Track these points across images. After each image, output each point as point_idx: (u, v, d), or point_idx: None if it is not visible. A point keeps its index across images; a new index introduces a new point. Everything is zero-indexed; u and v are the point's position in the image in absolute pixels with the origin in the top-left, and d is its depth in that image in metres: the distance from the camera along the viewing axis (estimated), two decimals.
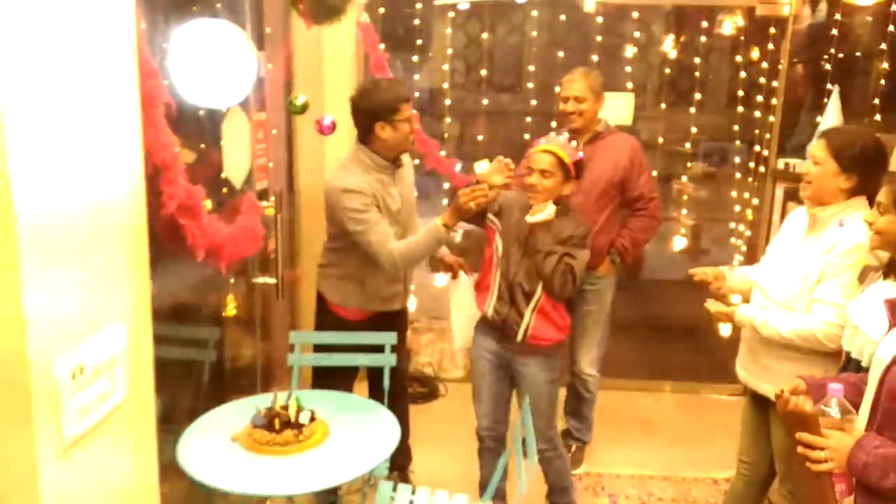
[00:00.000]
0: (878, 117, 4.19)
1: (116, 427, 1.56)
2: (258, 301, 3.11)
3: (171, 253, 2.48)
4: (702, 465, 3.42)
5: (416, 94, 4.31)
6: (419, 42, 4.31)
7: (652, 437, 3.72)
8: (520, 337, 2.58)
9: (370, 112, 2.61)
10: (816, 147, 2.22)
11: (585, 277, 3.17)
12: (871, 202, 2.07)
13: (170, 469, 2.03)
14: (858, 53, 4.96)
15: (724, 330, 4.01)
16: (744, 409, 2.56)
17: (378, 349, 2.73)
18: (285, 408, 2.12)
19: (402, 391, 3.04)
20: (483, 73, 5.02)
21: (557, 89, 3.27)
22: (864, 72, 4.94)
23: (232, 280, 3.09)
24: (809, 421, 1.51)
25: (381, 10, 4.20)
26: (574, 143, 2.60)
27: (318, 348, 2.80)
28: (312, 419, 2.14)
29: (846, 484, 1.50)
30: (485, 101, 4.70)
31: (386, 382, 2.71)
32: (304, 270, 3.39)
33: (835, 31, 4.32)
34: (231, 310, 3.19)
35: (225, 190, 2.73)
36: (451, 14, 4.67)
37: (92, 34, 1.41)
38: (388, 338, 2.73)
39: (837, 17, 4.30)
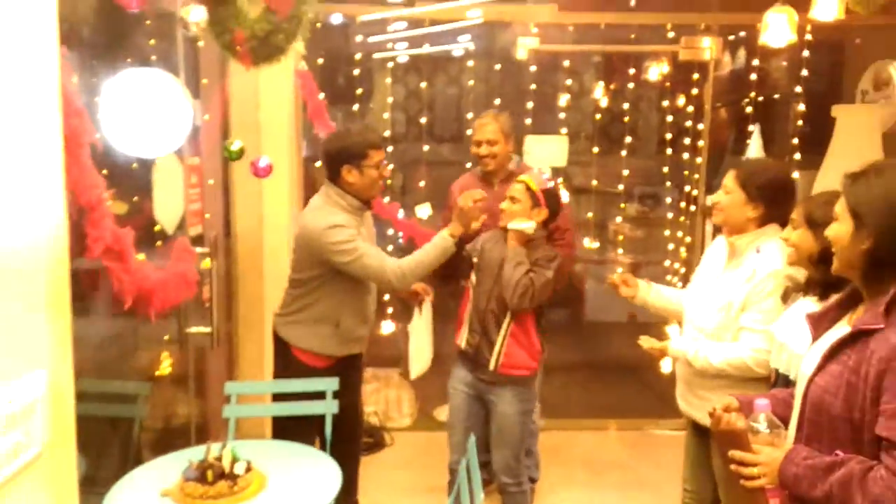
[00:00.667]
0: (797, 156, 4.42)
1: (32, 483, 1.46)
2: (192, 352, 3.00)
3: (99, 301, 2.40)
4: (649, 501, 3.42)
5: None
6: (359, 91, 4.36)
7: (599, 475, 3.71)
8: (492, 365, 2.63)
9: (338, 155, 2.65)
10: (728, 177, 2.33)
11: None
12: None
13: None
14: (777, 96, 5.27)
15: (666, 366, 4.06)
16: (686, 439, 2.59)
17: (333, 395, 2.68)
18: (219, 459, 2.03)
19: (354, 438, 2.97)
20: (423, 120, 5.11)
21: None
22: (782, 113, 5.24)
23: (166, 337, 2.99)
24: (740, 438, 1.53)
25: (320, 61, 4.25)
26: (546, 174, 2.74)
27: (277, 398, 2.75)
28: (248, 469, 2.05)
29: (780, 498, 1.51)
30: (425, 148, 4.78)
31: (328, 430, 2.64)
32: (242, 317, 3.30)
33: (754, 77, 4.57)
34: (166, 367, 3.07)
35: (160, 243, 2.67)
36: (391, 65, 4.76)
37: (7, 68, 1.37)
38: (330, 384, 2.67)
39: (756, 62, 4.55)
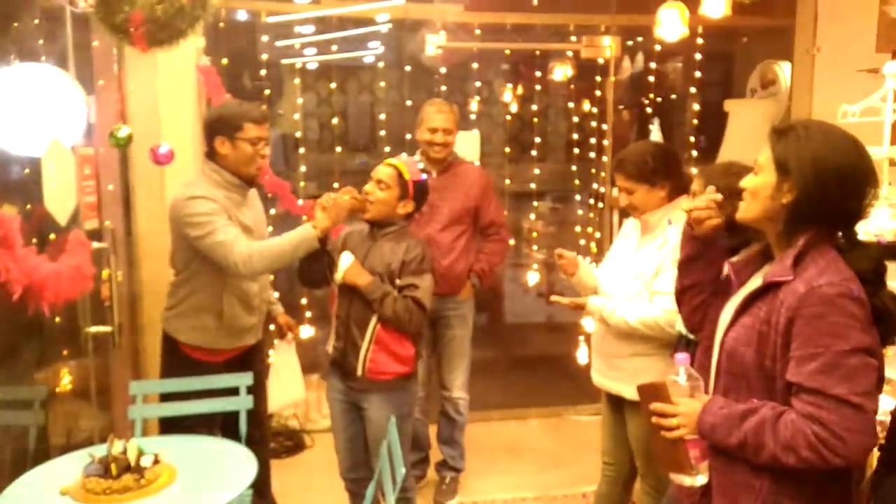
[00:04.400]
0: (694, 153, 4.65)
1: None
2: (93, 354, 2.84)
3: None
4: (570, 482, 3.47)
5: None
6: (267, 92, 4.28)
7: (521, 461, 3.75)
8: (359, 371, 2.45)
9: (212, 125, 2.54)
10: (619, 179, 2.38)
11: (447, 304, 3.21)
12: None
13: None
14: (674, 97, 5.55)
15: (582, 358, 4.17)
16: (602, 413, 2.64)
17: (233, 392, 2.55)
18: (124, 453, 1.91)
19: (262, 437, 2.83)
20: (334, 121, 5.05)
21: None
22: (679, 113, 5.52)
23: (64, 352, 2.80)
24: (661, 391, 1.56)
25: (225, 62, 4.14)
26: (420, 164, 2.57)
27: (166, 398, 2.56)
28: (156, 462, 1.94)
29: (699, 449, 1.54)
30: (338, 149, 4.74)
31: (243, 427, 2.54)
32: (146, 317, 3.15)
33: (652, 79, 4.80)
34: (64, 376, 2.89)
35: (52, 236, 2.51)
36: (299, 65, 4.69)
37: None
38: (243, 379, 2.57)
39: (653, 65, 4.78)
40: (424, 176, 2.53)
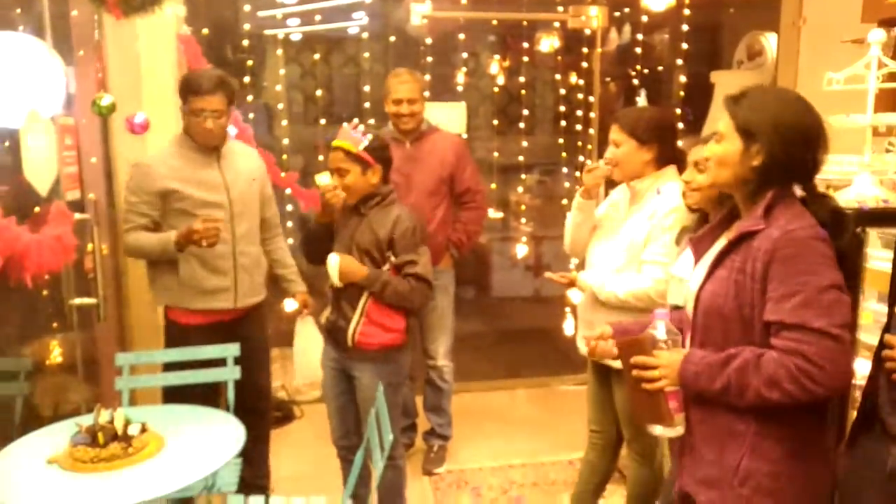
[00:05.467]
0: (680, 125, 4.65)
1: None
2: (78, 326, 2.82)
3: None
4: (557, 449, 3.52)
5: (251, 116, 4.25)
6: (250, 63, 4.21)
7: (509, 429, 3.79)
8: (350, 342, 2.47)
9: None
10: (613, 131, 2.39)
11: None
12: (679, 168, 2.28)
13: None
14: (660, 69, 5.52)
15: (568, 329, 4.20)
16: (588, 382, 2.66)
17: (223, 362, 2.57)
18: (111, 422, 1.91)
19: (264, 409, 2.89)
20: (318, 93, 5.01)
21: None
22: (666, 84, 5.50)
23: (49, 324, 2.77)
24: (642, 346, 1.59)
25: (205, 31, 4.07)
26: (361, 127, 2.44)
27: (168, 368, 2.59)
28: (144, 431, 1.94)
29: (677, 401, 1.58)
30: (322, 122, 4.69)
31: (231, 396, 2.55)
32: (131, 289, 3.13)
33: (639, 51, 4.77)
34: (53, 348, 2.87)
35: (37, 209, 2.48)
36: (281, 36, 4.62)
37: None
38: (230, 349, 2.58)
39: (640, 37, 4.75)
40: (368, 137, 2.41)
